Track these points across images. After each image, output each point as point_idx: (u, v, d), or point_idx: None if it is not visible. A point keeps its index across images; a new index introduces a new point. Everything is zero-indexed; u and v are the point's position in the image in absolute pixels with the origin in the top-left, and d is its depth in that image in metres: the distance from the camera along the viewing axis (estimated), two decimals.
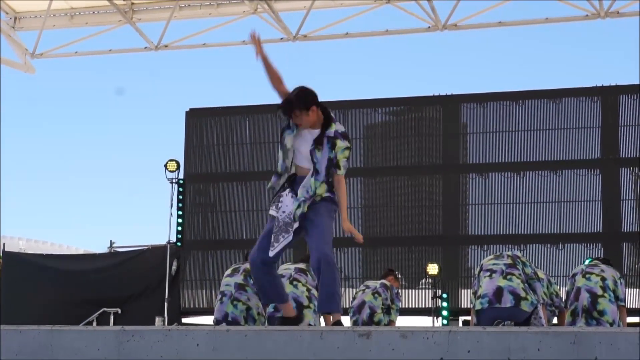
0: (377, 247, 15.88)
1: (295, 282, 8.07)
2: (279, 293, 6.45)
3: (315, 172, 6.19)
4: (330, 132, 6.25)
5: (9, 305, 16.22)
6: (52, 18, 16.61)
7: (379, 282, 10.19)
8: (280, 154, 6.31)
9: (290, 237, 6.18)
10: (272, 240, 6.20)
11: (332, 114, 6.36)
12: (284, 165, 6.29)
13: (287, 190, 6.25)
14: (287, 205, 6.20)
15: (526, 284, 7.43)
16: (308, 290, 8.07)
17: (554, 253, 15.05)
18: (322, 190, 6.20)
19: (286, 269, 8.27)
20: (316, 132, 6.26)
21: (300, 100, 6.17)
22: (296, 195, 6.21)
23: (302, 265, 8.29)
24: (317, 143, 6.21)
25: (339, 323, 6.01)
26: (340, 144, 6.24)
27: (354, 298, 10.08)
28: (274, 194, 6.36)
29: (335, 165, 6.23)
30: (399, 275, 16.03)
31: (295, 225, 6.17)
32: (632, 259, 15.27)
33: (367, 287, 10.12)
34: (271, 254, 6.18)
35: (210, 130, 16.87)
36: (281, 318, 6.64)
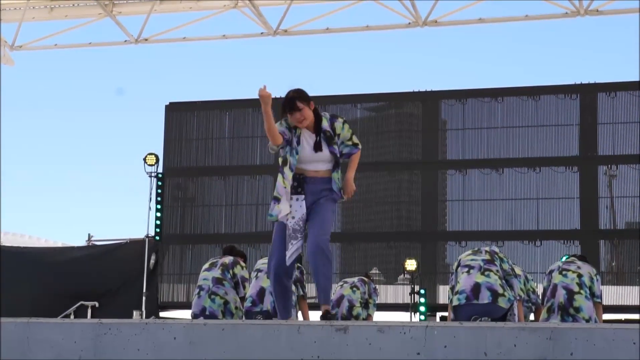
0: (355, 242, 15.89)
1: None
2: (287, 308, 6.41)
3: (335, 165, 6.23)
4: (325, 125, 6.26)
5: None
6: (32, 10, 16.51)
7: (357, 277, 10.24)
8: (280, 178, 6.23)
9: (300, 243, 6.15)
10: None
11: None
12: (284, 189, 6.21)
13: (296, 196, 6.20)
14: (297, 210, 6.16)
15: (503, 280, 7.39)
16: None
17: (531, 250, 15.10)
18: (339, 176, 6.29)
19: (263, 263, 8.27)
20: (313, 135, 6.25)
21: (301, 95, 6.24)
22: (305, 195, 6.17)
23: None
24: (329, 138, 6.22)
25: (328, 313, 6.02)
26: (338, 124, 6.27)
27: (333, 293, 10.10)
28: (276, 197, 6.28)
29: (350, 145, 6.26)
30: (377, 271, 16.09)
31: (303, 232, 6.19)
32: (608, 256, 15.36)
33: (345, 282, 10.17)
34: (288, 262, 6.15)
35: (189, 125, 16.85)
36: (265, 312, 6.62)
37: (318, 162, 6.23)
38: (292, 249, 6.11)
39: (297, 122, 6.20)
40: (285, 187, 6.17)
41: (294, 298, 8.04)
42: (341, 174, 6.29)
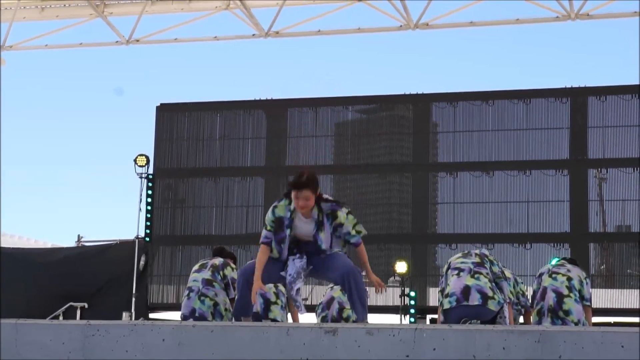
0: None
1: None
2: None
3: (321, 251, 6.27)
4: (327, 206, 6.28)
5: None
6: (23, 10, 16.48)
7: None
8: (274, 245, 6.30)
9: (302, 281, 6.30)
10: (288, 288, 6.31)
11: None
12: (281, 250, 6.29)
13: (292, 257, 6.30)
14: (291, 268, 6.26)
15: (493, 283, 7.40)
16: (275, 286, 8.06)
17: (521, 252, 15.09)
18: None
19: None
20: (307, 220, 6.29)
21: (313, 182, 6.20)
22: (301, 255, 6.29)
23: None
24: (319, 225, 6.26)
25: None
26: (342, 214, 6.29)
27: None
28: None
29: (351, 234, 6.30)
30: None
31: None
32: (598, 259, 15.37)
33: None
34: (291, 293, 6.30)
35: (180, 126, 16.80)
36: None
37: (305, 236, 6.30)
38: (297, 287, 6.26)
39: (298, 207, 6.20)
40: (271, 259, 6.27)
41: (283, 300, 8.09)
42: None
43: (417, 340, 4.92)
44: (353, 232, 6.29)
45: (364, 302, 6.26)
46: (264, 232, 6.30)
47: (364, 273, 6.39)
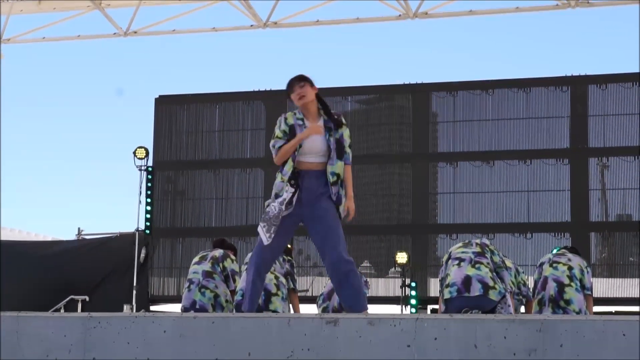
0: (347, 235, 15.63)
1: None
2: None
3: (331, 158, 6.18)
4: (332, 113, 6.28)
5: None
6: (20, 3, 16.41)
7: None
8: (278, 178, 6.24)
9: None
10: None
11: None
12: (286, 172, 6.20)
13: (291, 191, 6.17)
14: (282, 196, 6.15)
15: (494, 273, 7.38)
16: (276, 277, 8.02)
17: (522, 242, 15.06)
18: (339, 169, 6.18)
19: None
20: (319, 122, 6.25)
21: (310, 79, 6.27)
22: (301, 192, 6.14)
23: None
24: (330, 129, 6.22)
25: None
26: (345, 126, 6.27)
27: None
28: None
29: (347, 153, 6.20)
30: (368, 264, 16.04)
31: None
32: (599, 248, 15.35)
33: None
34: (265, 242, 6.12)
35: (179, 118, 16.75)
36: None
37: (311, 155, 6.19)
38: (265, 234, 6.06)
39: (296, 99, 6.19)
40: (282, 182, 6.16)
41: (284, 291, 8.04)
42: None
43: (418, 330, 4.89)
44: (348, 150, 6.22)
45: (363, 293, 6.18)
46: (273, 142, 6.25)
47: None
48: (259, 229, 6.09)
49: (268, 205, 6.17)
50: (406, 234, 15.79)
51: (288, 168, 6.18)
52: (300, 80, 6.23)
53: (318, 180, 6.17)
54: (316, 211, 6.13)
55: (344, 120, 6.30)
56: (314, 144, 6.18)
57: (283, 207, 6.05)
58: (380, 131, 16.38)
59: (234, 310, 8.00)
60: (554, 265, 8.15)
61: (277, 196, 6.14)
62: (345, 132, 6.26)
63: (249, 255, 8.34)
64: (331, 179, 6.17)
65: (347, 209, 6.24)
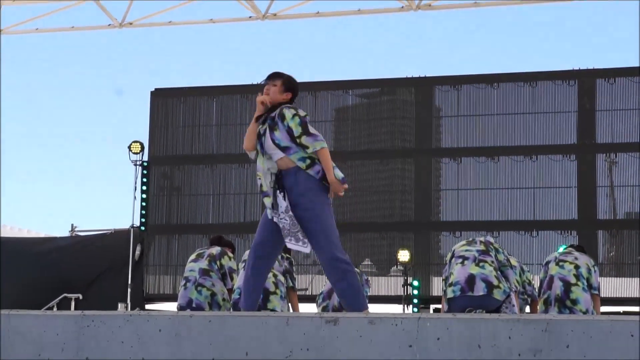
0: (347, 232, 15.70)
1: None
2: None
3: (284, 150, 5.99)
4: (275, 111, 6.08)
5: None
6: None
7: None
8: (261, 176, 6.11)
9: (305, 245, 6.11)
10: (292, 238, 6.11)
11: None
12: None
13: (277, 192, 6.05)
14: (281, 206, 6.03)
15: (499, 272, 7.36)
16: (274, 276, 7.94)
17: (527, 240, 14.95)
18: (304, 153, 6.00)
19: None
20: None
21: (280, 76, 6.11)
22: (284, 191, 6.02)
23: None
24: (271, 124, 6.03)
25: None
26: (288, 113, 6.00)
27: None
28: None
29: (297, 141, 5.97)
30: (369, 262, 15.92)
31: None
32: (607, 247, 15.25)
33: None
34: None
35: (175, 111, 16.61)
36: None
37: (276, 153, 6.05)
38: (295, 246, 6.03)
39: (260, 93, 6.06)
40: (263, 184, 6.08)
41: (283, 290, 7.98)
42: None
43: (420, 329, 4.85)
44: (304, 142, 5.96)
45: (361, 292, 6.04)
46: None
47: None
48: (291, 246, 6.09)
49: (277, 222, 6.05)
50: (408, 232, 15.67)
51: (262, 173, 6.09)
52: (274, 79, 6.09)
53: (296, 177, 6.04)
54: (300, 212, 6.02)
55: (286, 113, 6.02)
56: (267, 143, 6.06)
57: (290, 212, 5.97)
58: (382, 126, 16.30)
59: (232, 309, 7.99)
60: (561, 263, 8.20)
61: (274, 207, 6.03)
62: (292, 122, 5.98)
63: (247, 252, 8.17)
64: (303, 164, 6.01)
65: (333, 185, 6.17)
